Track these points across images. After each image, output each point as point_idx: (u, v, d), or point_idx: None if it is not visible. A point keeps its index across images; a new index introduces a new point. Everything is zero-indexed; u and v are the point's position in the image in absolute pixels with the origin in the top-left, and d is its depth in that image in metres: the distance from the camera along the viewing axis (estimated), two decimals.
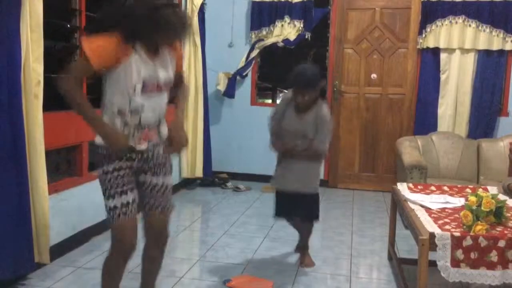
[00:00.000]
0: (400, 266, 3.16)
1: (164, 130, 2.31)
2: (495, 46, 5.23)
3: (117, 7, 2.20)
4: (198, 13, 5.43)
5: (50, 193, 3.07)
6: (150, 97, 2.18)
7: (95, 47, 2.05)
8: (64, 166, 3.77)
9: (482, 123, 5.37)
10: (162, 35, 2.13)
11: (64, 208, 3.46)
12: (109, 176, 2.22)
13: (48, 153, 3.05)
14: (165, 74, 2.21)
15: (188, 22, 2.22)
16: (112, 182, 2.23)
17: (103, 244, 3.69)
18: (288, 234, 4.11)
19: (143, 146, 2.23)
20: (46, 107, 2.98)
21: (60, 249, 3.38)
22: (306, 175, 3.25)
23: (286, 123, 3.21)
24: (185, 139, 2.27)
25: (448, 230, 2.38)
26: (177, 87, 2.38)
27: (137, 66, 2.11)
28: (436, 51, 5.42)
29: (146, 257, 2.45)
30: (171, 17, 2.07)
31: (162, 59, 2.21)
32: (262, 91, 6.70)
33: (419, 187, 3.42)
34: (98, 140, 2.20)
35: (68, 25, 3.63)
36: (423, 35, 5.40)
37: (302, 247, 3.49)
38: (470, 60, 5.33)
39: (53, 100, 3.25)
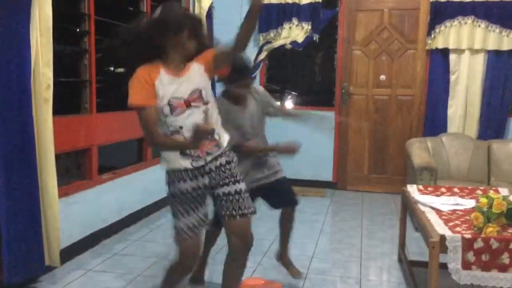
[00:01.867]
0: (410, 268, 3.14)
1: (223, 137, 2.33)
2: (505, 46, 5.18)
3: (124, 39, 2.25)
4: (206, 15, 5.44)
5: (60, 196, 3.09)
6: (184, 116, 2.17)
7: (136, 94, 2.15)
8: (74, 170, 3.79)
9: (492, 124, 5.31)
10: (175, 37, 2.13)
11: (74, 211, 3.48)
12: (176, 199, 2.30)
13: (58, 157, 3.08)
14: (190, 87, 2.18)
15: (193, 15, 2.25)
16: (178, 204, 2.31)
17: (112, 247, 3.71)
18: (298, 236, 4.10)
19: (200, 162, 2.25)
20: (56, 111, 3.00)
21: (70, 252, 3.40)
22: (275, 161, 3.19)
23: (239, 123, 2.87)
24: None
25: (459, 232, 2.36)
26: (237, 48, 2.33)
27: (162, 89, 2.14)
28: (445, 52, 5.38)
29: (231, 262, 2.50)
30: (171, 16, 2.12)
31: (188, 72, 2.20)
32: (270, 93, 6.65)
33: (429, 189, 3.39)
34: (163, 164, 2.34)
35: (78, 30, 3.66)
36: (432, 36, 5.36)
37: (284, 256, 3.21)
38: (480, 61, 5.28)
39: (63, 104, 3.29)
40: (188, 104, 2.17)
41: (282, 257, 3.22)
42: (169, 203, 2.38)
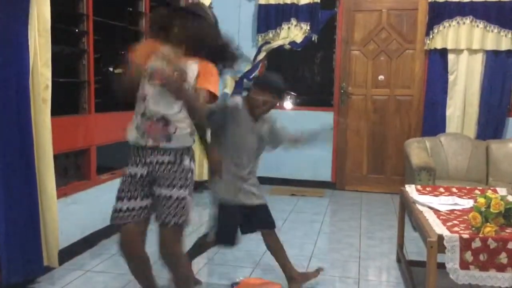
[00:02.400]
0: (409, 268, 3.14)
1: (177, 137, 2.23)
2: (504, 47, 5.19)
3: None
4: None
5: (58, 197, 3.09)
6: (156, 88, 2.19)
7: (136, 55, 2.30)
8: (73, 170, 3.79)
9: (491, 124, 5.33)
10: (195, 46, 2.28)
11: (73, 211, 3.48)
12: (123, 179, 2.35)
13: (56, 157, 3.08)
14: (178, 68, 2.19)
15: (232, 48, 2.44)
16: (121, 186, 2.36)
17: (111, 247, 3.71)
18: (296, 237, 4.11)
19: (149, 142, 2.22)
20: (54, 111, 3.00)
21: (69, 253, 3.40)
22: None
23: (240, 136, 2.79)
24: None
25: (457, 232, 2.37)
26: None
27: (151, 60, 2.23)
28: (443, 52, 5.39)
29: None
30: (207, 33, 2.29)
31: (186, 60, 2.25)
32: None
33: (427, 189, 3.40)
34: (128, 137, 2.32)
35: (76, 30, 3.66)
36: (431, 36, 5.37)
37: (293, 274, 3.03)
38: (478, 61, 5.29)
39: (61, 104, 3.29)
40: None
41: (294, 277, 3.02)
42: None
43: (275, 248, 3.04)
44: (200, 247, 3.02)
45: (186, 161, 2.27)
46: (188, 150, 2.30)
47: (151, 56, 2.23)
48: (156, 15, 2.46)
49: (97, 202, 3.79)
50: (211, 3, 5.57)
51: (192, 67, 2.24)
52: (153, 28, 2.40)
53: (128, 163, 2.31)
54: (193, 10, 2.32)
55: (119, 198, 2.33)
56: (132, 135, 2.28)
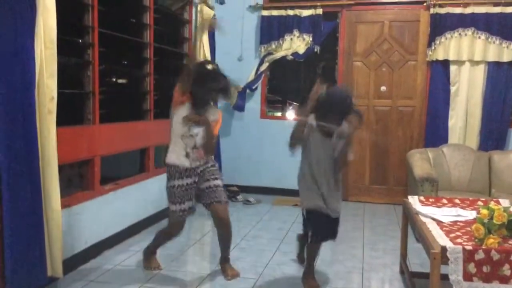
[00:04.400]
0: (412, 280, 3.14)
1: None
2: (505, 58, 5.22)
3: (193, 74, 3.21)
4: (209, 27, 5.49)
5: (63, 207, 3.10)
6: (199, 129, 3.17)
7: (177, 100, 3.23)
8: (77, 180, 3.81)
9: (493, 135, 5.34)
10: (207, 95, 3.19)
11: (77, 222, 3.49)
12: (173, 190, 3.23)
13: (60, 167, 3.09)
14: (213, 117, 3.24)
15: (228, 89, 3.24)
16: (175, 194, 3.24)
17: (114, 258, 3.71)
18: None
19: (197, 162, 3.23)
20: (59, 122, 3.03)
21: (72, 263, 3.40)
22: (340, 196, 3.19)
23: (317, 153, 3.09)
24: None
25: (460, 243, 2.37)
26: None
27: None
28: (445, 63, 5.42)
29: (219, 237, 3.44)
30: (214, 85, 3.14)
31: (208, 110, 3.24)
32: (272, 104, 6.73)
33: (430, 200, 3.40)
34: (168, 159, 3.25)
35: (81, 41, 3.69)
36: (432, 48, 5.40)
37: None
38: (480, 72, 5.32)
39: (66, 115, 3.32)
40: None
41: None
42: (167, 192, 3.28)
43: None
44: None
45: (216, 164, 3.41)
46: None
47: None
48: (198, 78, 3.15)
49: (101, 212, 3.80)
50: (214, 15, 5.63)
51: (216, 112, 3.29)
52: (190, 85, 3.15)
53: (173, 179, 3.22)
54: (222, 78, 3.19)
55: (176, 203, 3.24)
56: (182, 160, 3.21)
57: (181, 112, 3.17)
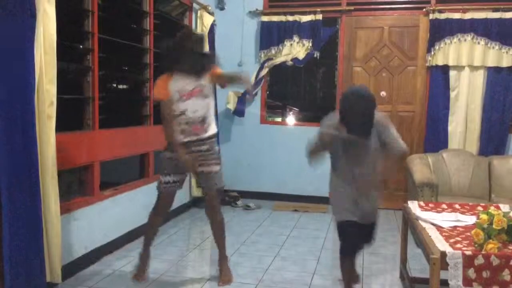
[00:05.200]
0: (412, 285, 3.13)
1: (210, 129, 3.25)
2: (505, 63, 5.22)
3: (164, 51, 3.34)
4: (208, 33, 5.51)
5: (62, 212, 3.10)
6: (190, 102, 3.15)
7: (158, 87, 3.22)
8: (76, 186, 3.80)
9: (493, 140, 5.34)
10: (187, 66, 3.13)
11: (76, 227, 3.49)
12: (162, 161, 3.29)
13: (60, 173, 3.09)
14: (195, 84, 3.15)
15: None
16: (162, 165, 3.31)
17: (114, 263, 3.71)
18: (298, 253, 4.10)
19: (189, 137, 3.19)
20: (59, 127, 3.03)
21: (71, 269, 3.39)
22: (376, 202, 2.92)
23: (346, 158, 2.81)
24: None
25: (459, 248, 2.36)
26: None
27: (174, 85, 3.16)
28: (445, 69, 5.43)
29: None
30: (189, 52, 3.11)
31: (198, 77, 3.15)
32: (272, 109, 6.74)
33: (430, 205, 3.39)
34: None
35: (81, 47, 3.70)
36: (432, 53, 5.41)
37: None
38: (480, 77, 5.32)
39: (66, 120, 3.32)
40: (191, 95, 3.16)
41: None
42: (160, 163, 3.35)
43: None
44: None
45: (215, 147, 3.32)
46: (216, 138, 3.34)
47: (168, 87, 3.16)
48: (173, 55, 3.16)
49: (100, 218, 3.80)
50: (214, 21, 5.65)
51: (206, 79, 3.18)
52: (168, 65, 3.20)
53: (166, 151, 3.27)
54: (202, 52, 3.22)
55: (162, 174, 3.29)
56: (177, 136, 3.20)
57: (172, 86, 3.14)
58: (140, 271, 3.42)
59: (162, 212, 3.46)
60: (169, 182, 3.28)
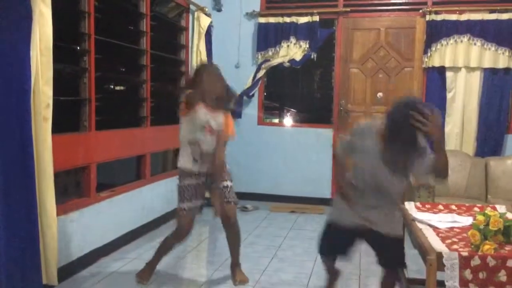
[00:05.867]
0: (409, 286, 3.12)
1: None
2: (501, 64, 5.24)
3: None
4: (205, 34, 5.51)
5: (58, 214, 3.09)
6: (208, 137, 3.23)
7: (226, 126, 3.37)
8: (73, 187, 3.79)
9: (489, 141, 5.35)
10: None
11: (72, 229, 3.48)
12: (182, 188, 3.29)
13: (56, 174, 3.08)
14: (219, 124, 3.26)
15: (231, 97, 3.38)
16: (183, 192, 3.30)
17: (111, 265, 3.70)
18: (296, 254, 4.10)
19: (205, 168, 3.30)
20: (55, 129, 3.02)
21: (68, 271, 3.38)
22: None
23: (368, 174, 2.58)
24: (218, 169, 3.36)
25: (456, 249, 2.36)
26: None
27: (200, 115, 3.19)
28: (441, 70, 5.44)
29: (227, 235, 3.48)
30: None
31: (216, 114, 3.25)
32: (269, 110, 6.74)
33: (426, 206, 3.39)
34: (178, 164, 3.31)
35: (78, 48, 3.70)
36: (428, 54, 5.43)
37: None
38: (476, 78, 5.34)
39: (62, 122, 3.31)
40: (212, 131, 3.24)
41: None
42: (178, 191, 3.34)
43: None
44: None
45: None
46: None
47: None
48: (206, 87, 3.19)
49: (97, 220, 3.79)
50: (211, 22, 5.65)
51: (220, 118, 3.26)
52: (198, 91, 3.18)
53: (183, 179, 3.30)
54: (220, 75, 3.27)
55: (183, 200, 3.29)
56: (190, 166, 3.27)
57: (197, 116, 3.16)
58: (146, 274, 3.41)
59: (183, 239, 3.45)
60: (190, 209, 3.29)
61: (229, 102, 3.38)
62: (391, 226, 2.74)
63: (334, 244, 2.84)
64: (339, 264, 2.98)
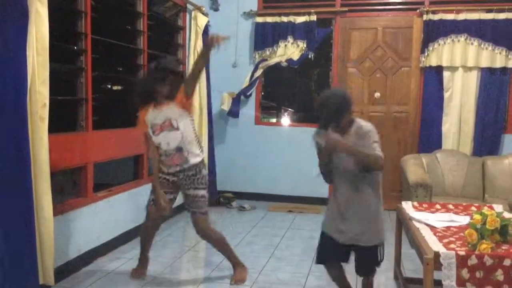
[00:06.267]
0: (406, 286, 3.13)
1: (191, 157, 3.24)
2: (498, 64, 5.25)
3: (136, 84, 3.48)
4: (203, 34, 5.50)
5: (55, 214, 3.08)
6: (161, 135, 3.21)
7: (139, 122, 3.34)
8: (69, 187, 3.78)
9: (486, 141, 5.36)
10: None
11: (69, 229, 3.47)
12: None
13: (53, 174, 3.08)
14: (163, 117, 3.18)
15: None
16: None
17: (107, 265, 3.69)
18: (293, 254, 4.10)
19: (172, 168, 3.27)
20: (52, 129, 3.01)
21: (64, 271, 3.38)
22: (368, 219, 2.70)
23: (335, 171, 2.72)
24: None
25: (453, 249, 2.36)
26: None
27: (147, 120, 3.25)
28: (439, 69, 5.44)
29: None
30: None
31: (167, 107, 3.19)
32: (266, 110, 6.74)
33: (424, 205, 3.40)
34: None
35: (75, 48, 3.68)
36: (426, 54, 5.43)
37: None
38: (473, 78, 5.34)
39: (59, 122, 3.30)
40: (162, 128, 3.20)
41: None
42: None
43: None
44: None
45: (202, 172, 3.31)
46: (202, 163, 3.33)
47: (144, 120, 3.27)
48: (148, 82, 3.26)
49: (94, 219, 3.78)
50: (208, 22, 5.64)
51: (174, 109, 3.17)
52: (143, 96, 3.25)
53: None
54: (177, 70, 3.31)
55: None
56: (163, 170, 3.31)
57: (147, 122, 3.27)
58: (140, 269, 3.51)
59: (150, 227, 3.48)
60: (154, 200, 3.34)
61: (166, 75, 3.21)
62: (368, 227, 2.68)
63: (329, 252, 2.83)
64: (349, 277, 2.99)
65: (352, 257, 2.81)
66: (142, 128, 3.31)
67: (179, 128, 3.19)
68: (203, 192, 3.31)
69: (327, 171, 2.74)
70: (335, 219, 2.73)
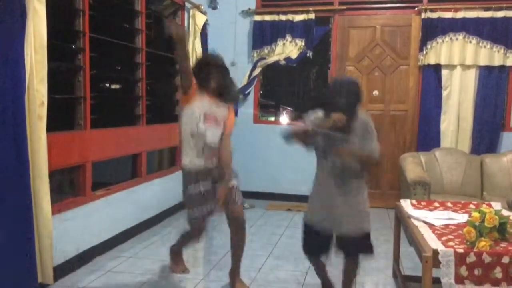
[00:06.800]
0: (405, 283, 3.13)
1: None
2: (496, 62, 5.25)
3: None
4: (201, 32, 5.49)
5: (53, 213, 3.08)
6: (210, 129, 3.03)
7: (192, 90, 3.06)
8: (68, 186, 3.78)
9: (485, 139, 5.37)
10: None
11: (68, 228, 3.46)
12: (188, 197, 3.08)
13: (51, 173, 3.07)
14: (220, 113, 3.09)
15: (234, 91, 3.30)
16: (190, 201, 3.10)
17: (106, 264, 3.69)
18: (292, 252, 4.09)
19: (211, 164, 3.08)
20: (50, 127, 3.01)
21: (63, 270, 3.37)
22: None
23: (322, 161, 2.79)
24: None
25: (451, 246, 2.37)
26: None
27: (200, 104, 3.02)
28: (437, 68, 5.45)
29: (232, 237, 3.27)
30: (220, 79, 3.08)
31: (220, 105, 3.09)
32: (265, 108, 6.74)
33: (422, 203, 3.40)
34: (182, 163, 3.07)
35: (73, 47, 3.68)
36: (424, 52, 5.43)
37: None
38: (472, 76, 5.35)
39: (57, 121, 3.29)
40: (217, 122, 3.07)
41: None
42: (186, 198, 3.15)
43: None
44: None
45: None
46: None
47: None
48: (204, 70, 3.09)
49: (92, 218, 3.78)
50: (206, 20, 5.64)
51: (224, 110, 3.12)
52: (198, 80, 3.05)
53: (189, 184, 3.06)
54: (224, 66, 3.20)
55: (191, 208, 3.12)
56: (195, 162, 3.04)
57: (199, 105, 2.98)
58: (179, 263, 3.48)
59: (197, 240, 3.43)
60: (198, 217, 3.12)
61: (233, 95, 3.28)
62: (356, 219, 2.80)
63: (312, 244, 2.89)
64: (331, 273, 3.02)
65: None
66: (192, 92, 3.03)
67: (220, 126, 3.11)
68: (237, 183, 3.24)
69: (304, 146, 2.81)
70: (320, 210, 2.78)
